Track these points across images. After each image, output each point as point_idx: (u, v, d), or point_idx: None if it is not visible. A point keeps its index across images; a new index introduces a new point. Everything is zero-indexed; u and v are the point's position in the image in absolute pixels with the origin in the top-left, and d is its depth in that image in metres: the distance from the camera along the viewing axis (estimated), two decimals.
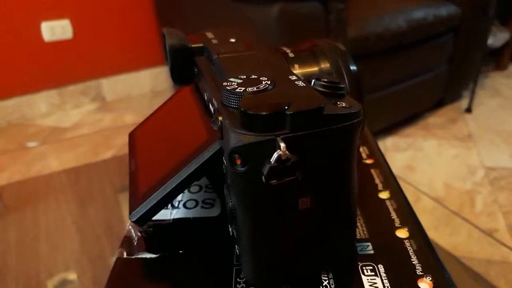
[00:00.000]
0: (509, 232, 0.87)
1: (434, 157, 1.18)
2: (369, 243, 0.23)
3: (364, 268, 0.21)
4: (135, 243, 0.25)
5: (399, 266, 0.21)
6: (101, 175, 0.55)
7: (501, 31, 1.61)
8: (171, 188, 0.20)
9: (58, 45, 1.42)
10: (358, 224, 0.25)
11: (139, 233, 0.25)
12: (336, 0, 0.94)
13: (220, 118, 0.17)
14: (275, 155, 0.15)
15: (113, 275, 0.22)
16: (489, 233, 0.87)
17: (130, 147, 0.29)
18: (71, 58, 1.46)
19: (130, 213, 0.22)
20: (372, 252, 0.22)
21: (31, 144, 1.31)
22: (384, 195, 0.27)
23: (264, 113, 0.15)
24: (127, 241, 0.25)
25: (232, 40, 0.26)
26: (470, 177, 1.07)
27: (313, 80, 0.18)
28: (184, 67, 0.26)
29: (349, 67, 0.24)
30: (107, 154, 1.22)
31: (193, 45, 0.26)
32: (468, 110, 1.42)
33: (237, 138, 0.16)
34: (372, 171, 0.30)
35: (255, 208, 0.17)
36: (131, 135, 0.31)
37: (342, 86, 0.18)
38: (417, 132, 1.31)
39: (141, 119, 0.32)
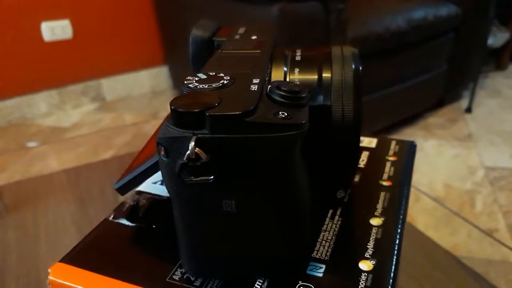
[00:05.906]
0: (509, 232, 0.87)
1: (434, 157, 1.18)
2: (323, 266, 0.21)
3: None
4: (123, 209, 0.26)
5: None
6: (101, 175, 0.55)
7: (501, 31, 1.61)
8: (144, 168, 0.22)
9: (58, 45, 1.42)
10: (326, 244, 0.23)
11: (132, 202, 0.27)
12: (336, 0, 0.94)
13: None
14: (186, 153, 0.16)
15: (92, 232, 0.24)
16: (489, 233, 0.87)
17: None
18: (71, 58, 1.46)
19: (117, 181, 0.24)
20: (320, 275, 0.20)
21: (31, 144, 1.31)
22: (375, 221, 0.24)
23: (182, 111, 0.16)
24: (119, 206, 0.26)
25: (254, 37, 0.26)
26: (470, 177, 1.07)
27: (269, 86, 0.18)
28: (203, 58, 0.26)
29: (352, 82, 0.22)
30: (107, 154, 1.23)
31: (217, 39, 0.27)
32: (468, 110, 1.42)
33: (164, 130, 0.16)
34: (382, 194, 0.27)
35: (178, 200, 0.18)
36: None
37: (302, 96, 0.17)
38: (417, 132, 1.31)
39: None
